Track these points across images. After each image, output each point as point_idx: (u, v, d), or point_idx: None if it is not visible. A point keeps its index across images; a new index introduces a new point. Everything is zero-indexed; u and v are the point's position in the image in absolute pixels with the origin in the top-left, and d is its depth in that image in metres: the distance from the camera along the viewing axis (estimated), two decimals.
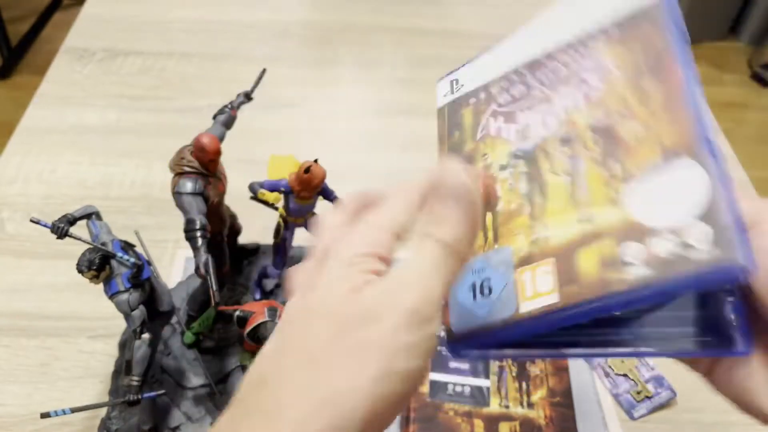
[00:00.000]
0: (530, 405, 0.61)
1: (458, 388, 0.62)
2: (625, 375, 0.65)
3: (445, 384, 0.62)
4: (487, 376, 0.63)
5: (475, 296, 0.30)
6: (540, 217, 0.29)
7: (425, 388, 0.62)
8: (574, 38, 0.33)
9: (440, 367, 0.63)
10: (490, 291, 0.30)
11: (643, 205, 0.26)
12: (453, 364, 0.63)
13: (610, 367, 0.65)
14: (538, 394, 0.62)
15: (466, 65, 0.39)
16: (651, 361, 0.65)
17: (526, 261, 0.29)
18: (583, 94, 0.31)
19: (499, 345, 0.31)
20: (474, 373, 0.63)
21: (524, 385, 0.62)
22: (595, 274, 0.26)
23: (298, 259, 0.72)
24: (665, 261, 0.24)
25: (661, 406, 0.63)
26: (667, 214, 0.25)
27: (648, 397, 0.63)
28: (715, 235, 0.23)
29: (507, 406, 0.61)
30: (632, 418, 0.62)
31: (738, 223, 0.23)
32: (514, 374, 0.63)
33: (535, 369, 0.64)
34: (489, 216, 0.32)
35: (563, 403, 0.61)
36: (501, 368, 0.64)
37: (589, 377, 0.65)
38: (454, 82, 0.39)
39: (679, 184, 0.25)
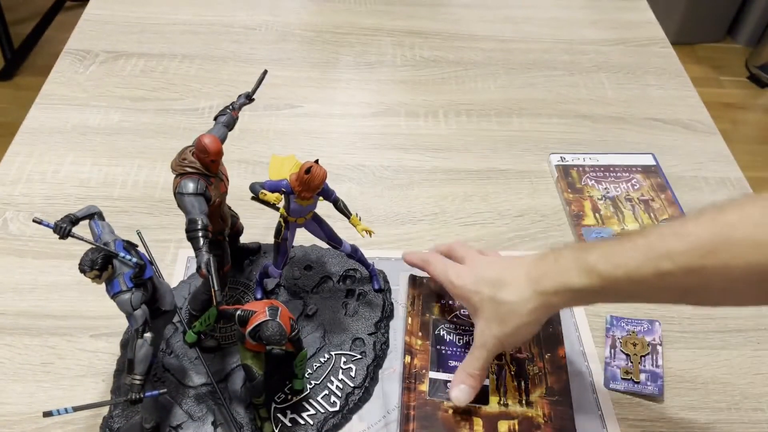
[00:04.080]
0: (529, 403, 0.61)
1: None
2: (627, 355, 0.66)
3: (445, 383, 0.62)
4: (486, 375, 0.63)
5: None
6: (622, 221, 0.80)
7: (425, 387, 0.62)
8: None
9: (440, 366, 0.64)
10: None
11: None
12: (453, 363, 0.64)
13: (619, 341, 0.67)
14: (537, 393, 0.62)
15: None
16: (661, 359, 0.66)
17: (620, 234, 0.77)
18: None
19: None
20: None
21: (523, 383, 0.63)
22: None
23: (298, 259, 0.72)
24: None
25: (641, 395, 0.64)
26: None
27: (633, 381, 0.64)
28: None
29: (506, 405, 0.61)
30: (606, 386, 0.64)
31: None
32: (512, 373, 0.64)
33: (534, 368, 0.64)
34: (597, 215, 0.81)
35: (562, 402, 0.61)
36: (500, 367, 0.64)
37: (588, 377, 0.65)
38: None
39: None
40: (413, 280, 0.72)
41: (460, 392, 0.59)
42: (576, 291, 0.52)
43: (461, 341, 0.66)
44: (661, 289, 0.49)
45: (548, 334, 0.67)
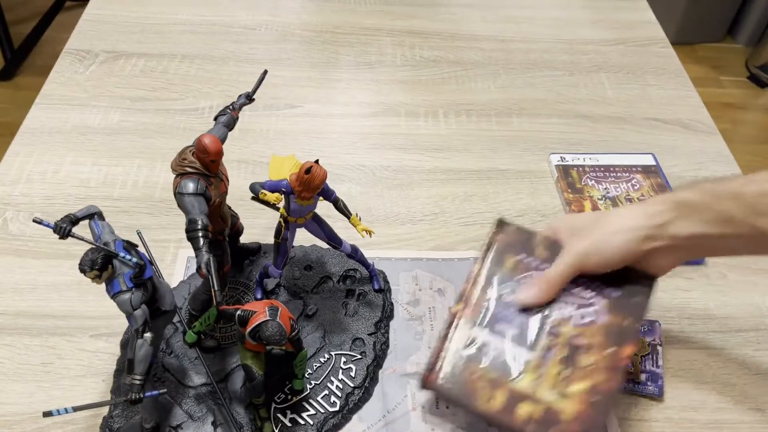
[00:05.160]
0: (564, 395, 0.54)
1: (495, 353, 0.57)
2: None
3: (486, 344, 0.57)
4: (532, 349, 0.57)
5: None
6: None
7: (464, 342, 0.57)
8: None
9: (486, 325, 0.58)
10: None
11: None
12: (499, 326, 0.58)
13: None
14: (578, 386, 0.54)
15: None
16: (661, 360, 0.66)
17: None
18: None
19: None
20: (519, 341, 0.57)
21: (568, 371, 0.55)
22: None
23: (298, 259, 0.72)
24: None
25: (641, 395, 0.64)
26: None
27: (634, 382, 0.64)
28: None
29: (537, 387, 0.54)
30: None
31: None
32: (562, 356, 0.56)
33: (589, 358, 0.55)
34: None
35: (600, 407, 0.53)
36: (552, 347, 0.57)
37: None
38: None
39: None
40: (500, 224, 0.65)
41: (526, 291, 0.59)
42: (679, 203, 0.54)
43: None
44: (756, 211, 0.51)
45: (622, 327, 0.57)
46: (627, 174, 0.86)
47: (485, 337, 0.58)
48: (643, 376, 0.65)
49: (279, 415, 0.59)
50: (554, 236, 0.62)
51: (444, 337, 0.59)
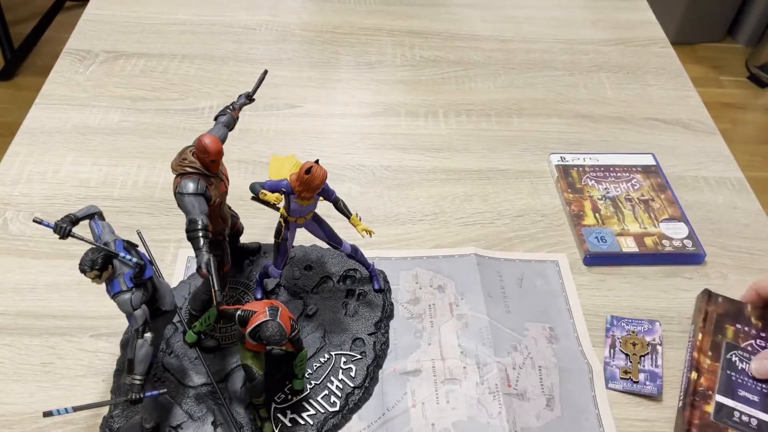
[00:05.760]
0: None
1: (744, 418, 0.60)
2: (627, 355, 0.66)
3: (732, 410, 0.61)
4: None
5: (597, 241, 0.77)
6: (622, 221, 0.80)
7: (710, 408, 0.61)
8: None
9: (729, 393, 0.62)
10: (605, 240, 0.77)
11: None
12: (742, 393, 0.62)
13: (619, 340, 0.68)
14: None
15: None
16: (660, 359, 0.66)
17: (620, 234, 0.78)
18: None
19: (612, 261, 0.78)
20: (765, 407, 0.61)
21: None
22: (653, 246, 0.77)
23: (298, 259, 0.72)
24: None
25: (640, 395, 0.64)
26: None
27: (632, 381, 0.65)
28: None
29: None
30: (606, 386, 0.65)
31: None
32: None
33: None
34: (597, 215, 0.81)
35: None
36: None
37: (588, 374, 0.65)
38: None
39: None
40: (708, 296, 0.70)
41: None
42: None
43: None
44: None
45: None
46: (627, 174, 0.86)
47: (730, 403, 0.61)
48: (641, 376, 0.65)
49: (279, 415, 0.59)
50: (761, 297, 0.68)
51: (691, 405, 0.61)
